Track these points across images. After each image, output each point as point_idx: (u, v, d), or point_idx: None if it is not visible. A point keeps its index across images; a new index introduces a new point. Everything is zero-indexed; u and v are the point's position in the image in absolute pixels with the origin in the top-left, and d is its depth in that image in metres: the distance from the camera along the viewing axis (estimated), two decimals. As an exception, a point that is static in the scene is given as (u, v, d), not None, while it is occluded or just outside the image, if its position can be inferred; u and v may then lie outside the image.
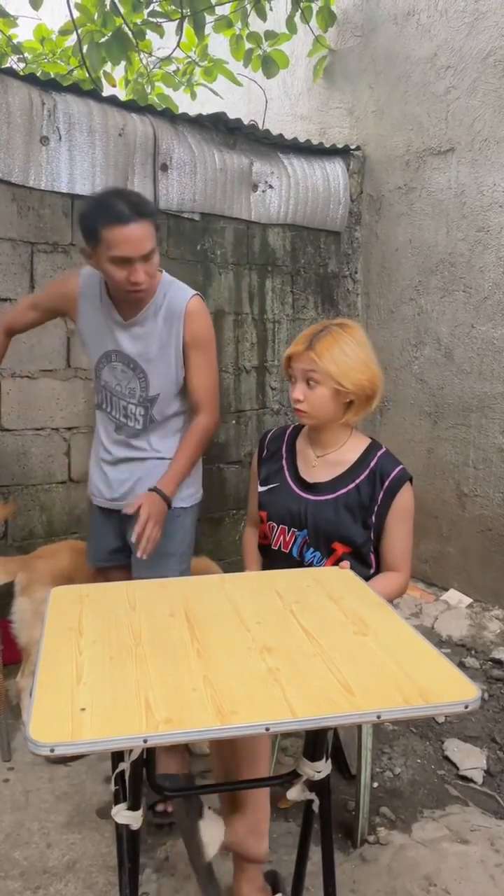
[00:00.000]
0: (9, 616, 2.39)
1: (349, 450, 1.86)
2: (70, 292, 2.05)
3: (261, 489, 1.93)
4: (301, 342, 1.81)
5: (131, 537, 2.01)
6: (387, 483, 1.79)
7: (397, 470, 1.81)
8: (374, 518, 1.79)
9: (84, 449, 3.00)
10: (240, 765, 1.54)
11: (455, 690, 1.12)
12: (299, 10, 3.75)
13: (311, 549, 1.82)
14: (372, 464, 1.82)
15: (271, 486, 1.91)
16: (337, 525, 1.80)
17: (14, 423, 2.90)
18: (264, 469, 1.96)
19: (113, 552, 2.20)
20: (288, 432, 1.99)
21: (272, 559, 1.90)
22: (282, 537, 1.86)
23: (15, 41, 4.29)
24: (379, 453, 1.85)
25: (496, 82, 3.13)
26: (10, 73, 2.77)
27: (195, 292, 2.03)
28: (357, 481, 1.81)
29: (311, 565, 1.81)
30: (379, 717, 1.08)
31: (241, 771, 1.54)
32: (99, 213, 1.80)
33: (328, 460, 1.87)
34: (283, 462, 1.93)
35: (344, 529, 1.79)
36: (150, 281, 1.89)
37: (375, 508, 1.79)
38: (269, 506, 1.89)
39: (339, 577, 1.60)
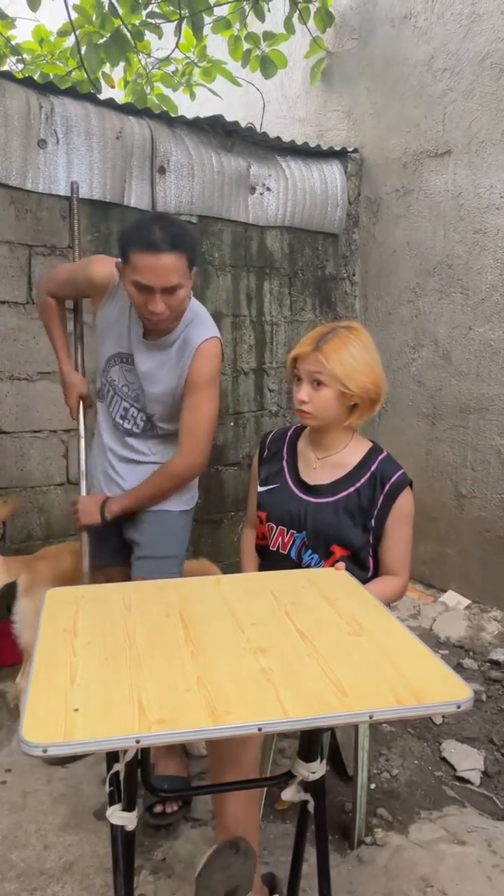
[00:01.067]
0: (11, 617, 2.39)
1: (350, 453, 1.86)
2: (105, 279, 2.00)
3: (260, 490, 1.93)
4: (308, 343, 1.80)
5: (128, 535, 2.05)
6: (387, 487, 1.79)
7: (398, 474, 1.81)
8: (373, 522, 1.79)
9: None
10: (224, 772, 1.54)
11: (448, 691, 1.13)
12: (297, 11, 3.76)
13: (310, 552, 1.82)
14: (373, 467, 1.82)
15: (271, 486, 1.91)
16: (336, 528, 1.80)
17: (12, 426, 2.90)
18: (264, 470, 1.96)
19: (117, 551, 2.19)
20: (289, 434, 1.99)
21: (270, 560, 1.90)
22: (280, 538, 1.86)
23: (13, 42, 4.30)
24: (380, 457, 1.85)
25: (493, 85, 3.14)
26: (8, 76, 2.78)
27: (216, 335, 1.97)
28: (358, 485, 1.81)
29: (308, 567, 1.81)
30: (371, 717, 1.08)
31: (226, 778, 1.54)
32: (133, 236, 1.79)
33: (329, 462, 1.86)
34: (284, 463, 1.93)
35: (343, 532, 1.79)
36: (170, 314, 1.86)
37: (375, 512, 1.79)
38: (269, 506, 1.89)
39: (334, 579, 1.60)
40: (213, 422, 2.03)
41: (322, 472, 1.86)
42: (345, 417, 1.83)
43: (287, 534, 1.85)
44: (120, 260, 1.86)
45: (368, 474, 1.81)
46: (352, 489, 1.81)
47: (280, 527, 1.86)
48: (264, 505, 1.91)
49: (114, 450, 2.12)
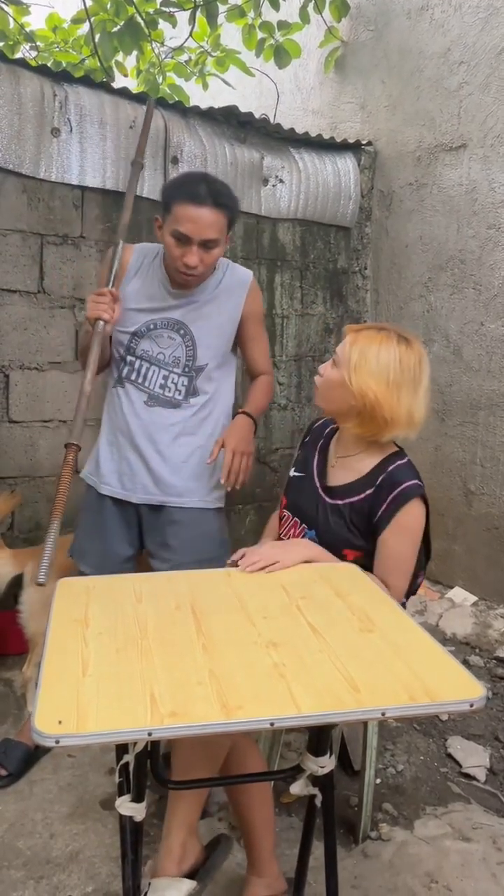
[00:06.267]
0: (18, 606, 2.40)
1: (365, 457, 1.76)
2: (123, 266, 2.07)
3: (291, 474, 1.89)
4: (358, 326, 1.74)
5: (155, 539, 2.05)
6: (393, 494, 1.67)
7: (408, 484, 1.67)
8: (375, 528, 1.70)
9: (91, 442, 2.99)
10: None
11: (461, 689, 1.12)
12: (312, 1, 3.72)
13: None
14: (384, 475, 1.71)
15: (298, 474, 1.87)
16: (345, 532, 1.73)
17: (22, 415, 2.90)
18: (301, 453, 1.91)
19: (126, 561, 2.11)
20: (331, 424, 1.91)
21: None
22: (293, 531, 1.83)
23: (27, 29, 4.28)
24: (396, 463, 1.72)
25: (510, 78, 3.11)
26: (22, 63, 2.76)
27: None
28: (368, 492, 1.71)
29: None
30: (384, 714, 1.08)
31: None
32: (178, 188, 1.88)
33: (345, 464, 1.79)
34: (316, 453, 1.87)
35: (352, 537, 1.72)
36: (202, 271, 1.93)
37: (376, 521, 1.69)
38: (290, 493, 1.86)
39: (345, 574, 1.60)
40: None
41: (339, 473, 1.79)
42: (349, 418, 1.72)
43: (299, 527, 1.82)
44: (159, 216, 1.94)
45: (379, 481, 1.71)
46: (362, 496, 1.72)
47: (295, 518, 1.83)
48: (287, 490, 1.87)
49: (150, 437, 2.04)
